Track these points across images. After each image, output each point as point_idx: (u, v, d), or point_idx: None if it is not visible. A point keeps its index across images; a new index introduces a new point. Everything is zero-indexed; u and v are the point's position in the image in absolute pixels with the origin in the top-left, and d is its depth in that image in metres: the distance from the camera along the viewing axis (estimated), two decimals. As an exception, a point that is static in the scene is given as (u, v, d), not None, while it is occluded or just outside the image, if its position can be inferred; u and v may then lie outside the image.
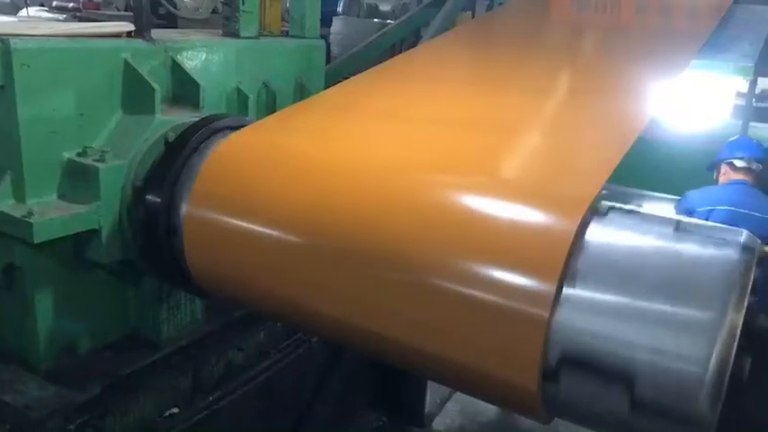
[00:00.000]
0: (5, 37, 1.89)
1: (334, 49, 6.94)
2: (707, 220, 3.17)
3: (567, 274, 1.34)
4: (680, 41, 3.17)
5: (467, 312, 1.41)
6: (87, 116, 2.11)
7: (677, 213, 3.35)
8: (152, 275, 2.25)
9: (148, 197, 1.99)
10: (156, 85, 2.18)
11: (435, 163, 1.74)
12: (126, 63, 2.19)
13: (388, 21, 7.33)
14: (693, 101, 3.93)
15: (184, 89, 2.39)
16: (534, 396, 1.37)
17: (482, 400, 1.62)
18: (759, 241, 1.37)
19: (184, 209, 1.90)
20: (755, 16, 3.99)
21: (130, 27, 2.33)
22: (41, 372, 2.12)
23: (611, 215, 1.45)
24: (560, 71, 2.80)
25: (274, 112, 2.66)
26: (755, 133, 4.32)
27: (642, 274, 1.31)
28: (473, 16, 5.13)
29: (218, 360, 2.53)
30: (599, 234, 1.39)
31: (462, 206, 1.51)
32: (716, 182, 3.65)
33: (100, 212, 2.03)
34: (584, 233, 1.39)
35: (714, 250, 1.32)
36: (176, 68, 2.38)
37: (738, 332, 1.24)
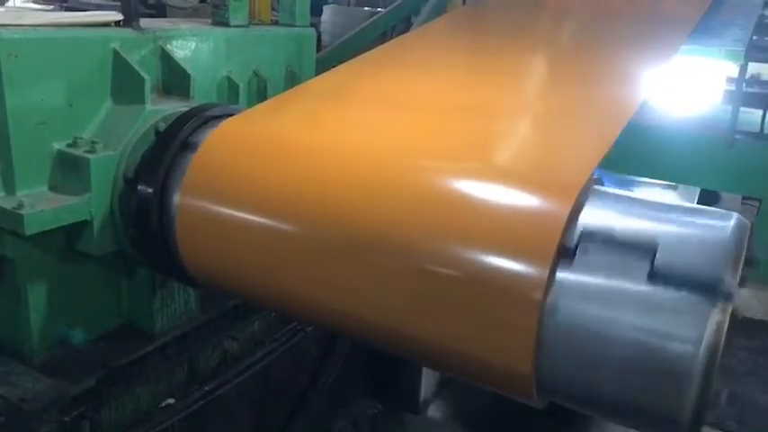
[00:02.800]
0: (-8, 27, 1.87)
1: (325, 39, 6.90)
2: None
3: (560, 257, 1.34)
4: (670, 26, 3.17)
5: (460, 298, 1.41)
6: (77, 106, 2.09)
7: None
8: (145, 266, 2.25)
9: (140, 188, 1.98)
10: (145, 75, 2.17)
11: (427, 148, 1.74)
12: (115, 52, 2.17)
13: (379, 9, 7.29)
14: (684, 86, 3.93)
15: (174, 78, 2.38)
16: (528, 381, 1.38)
17: (477, 384, 1.63)
18: (748, 222, 1.37)
19: (176, 199, 1.90)
20: (746, 0, 3.99)
21: (119, 16, 2.31)
22: (35, 364, 2.12)
23: (602, 199, 1.45)
24: (551, 57, 2.80)
25: (265, 100, 2.65)
26: (746, 118, 4.33)
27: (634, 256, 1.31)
28: (464, 2, 5.11)
29: (214, 350, 2.53)
30: (591, 218, 1.40)
31: (454, 191, 1.51)
32: None
33: (91, 204, 2.02)
34: (576, 217, 1.39)
35: (706, 231, 1.32)
36: (166, 58, 2.37)
37: (729, 313, 1.25)
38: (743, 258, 1.30)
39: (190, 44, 2.48)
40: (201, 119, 2.05)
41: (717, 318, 1.22)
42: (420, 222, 1.49)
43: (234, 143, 1.91)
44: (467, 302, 1.40)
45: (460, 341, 1.44)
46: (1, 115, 1.92)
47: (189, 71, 2.36)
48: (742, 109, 4.09)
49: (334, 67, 2.65)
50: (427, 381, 3.94)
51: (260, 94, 2.81)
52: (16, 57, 1.90)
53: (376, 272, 1.53)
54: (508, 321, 1.36)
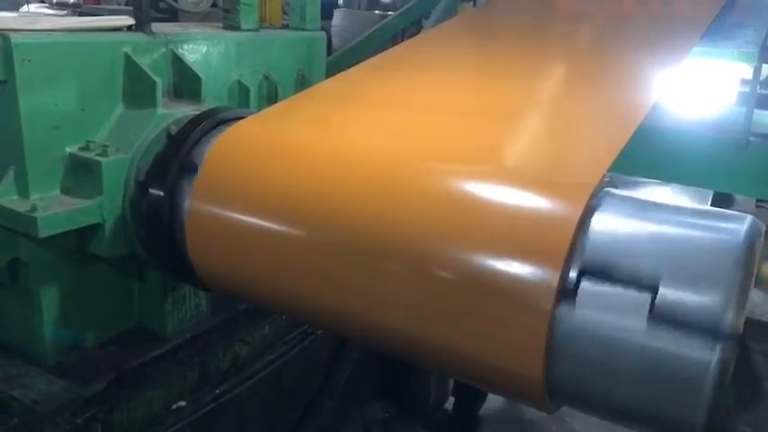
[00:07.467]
0: (6, 32, 1.89)
1: (336, 42, 6.94)
2: None
3: (571, 261, 1.33)
4: (682, 28, 3.15)
5: (470, 302, 1.40)
6: (89, 110, 2.11)
7: None
8: (156, 269, 2.26)
9: (151, 191, 1.99)
10: (157, 79, 2.18)
11: (438, 151, 1.74)
12: (127, 57, 2.19)
13: (389, 12, 7.31)
14: (698, 88, 3.91)
15: (185, 82, 2.39)
16: (539, 386, 1.37)
17: (487, 390, 1.62)
18: (764, 225, 1.36)
19: (187, 202, 1.90)
20: (759, 1, 3.96)
21: (131, 21, 2.32)
22: (48, 366, 2.13)
23: (614, 202, 1.44)
24: (562, 59, 2.79)
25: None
26: (760, 120, 4.29)
27: (647, 259, 1.30)
28: (474, 5, 5.11)
29: (225, 353, 2.54)
30: (603, 221, 1.39)
31: (465, 194, 1.51)
32: None
33: (103, 206, 2.03)
34: (588, 220, 1.38)
35: (718, 234, 1.31)
36: (177, 62, 2.38)
37: (742, 321, 1.24)
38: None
39: (201, 48, 2.49)
40: (212, 122, 2.06)
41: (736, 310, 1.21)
42: (430, 225, 1.48)
43: (244, 146, 1.92)
44: (476, 306, 1.39)
45: (470, 346, 1.43)
46: (15, 119, 1.93)
47: (200, 75, 2.37)
48: (756, 111, 4.06)
49: (344, 70, 2.65)
50: (437, 384, 3.92)
51: (270, 97, 2.82)
52: (30, 61, 1.92)
53: (386, 275, 1.53)
54: (518, 326, 1.35)
